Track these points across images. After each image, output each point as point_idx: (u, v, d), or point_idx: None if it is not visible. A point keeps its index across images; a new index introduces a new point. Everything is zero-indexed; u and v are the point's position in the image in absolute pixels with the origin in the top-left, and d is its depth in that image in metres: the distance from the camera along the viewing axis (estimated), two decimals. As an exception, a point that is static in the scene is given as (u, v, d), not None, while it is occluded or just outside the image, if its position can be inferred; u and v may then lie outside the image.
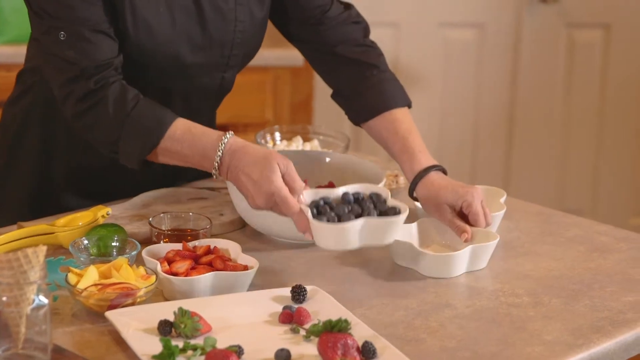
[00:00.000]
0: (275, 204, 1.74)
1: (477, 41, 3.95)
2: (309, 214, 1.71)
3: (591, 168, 4.11)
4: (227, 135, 1.83)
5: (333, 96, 2.11)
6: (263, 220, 1.90)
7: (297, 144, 2.31)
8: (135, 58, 1.91)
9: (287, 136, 2.35)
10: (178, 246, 1.77)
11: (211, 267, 1.72)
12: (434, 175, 1.93)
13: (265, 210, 1.76)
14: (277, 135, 2.35)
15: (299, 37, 2.11)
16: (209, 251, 1.76)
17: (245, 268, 1.73)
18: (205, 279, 1.68)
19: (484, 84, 3.99)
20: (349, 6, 2.11)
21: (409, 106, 2.10)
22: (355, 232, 1.70)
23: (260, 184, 1.75)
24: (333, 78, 2.11)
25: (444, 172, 1.96)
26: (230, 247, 1.78)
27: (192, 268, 1.71)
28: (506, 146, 4.06)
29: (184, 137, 1.83)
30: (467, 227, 1.85)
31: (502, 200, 2.03)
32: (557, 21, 3.95)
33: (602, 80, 4.03)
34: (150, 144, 1.83)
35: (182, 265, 1.71)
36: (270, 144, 2.31)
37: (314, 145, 2.30)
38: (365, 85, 2.05)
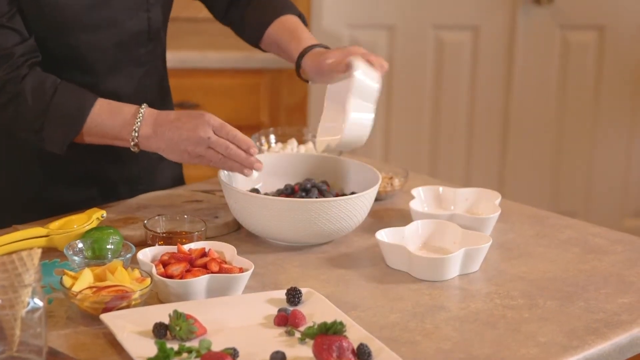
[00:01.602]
0: (212, 131, 1.85)
1: (472, 43, 3.96)
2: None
3: (585, 170, 4.12)
4: (144, 105, 1.92)
5: (232, 29, 2.23)
6: (258, 222, 1.90)
7: (292, 147, 2.31)
8: (56, 16, 1.93)
9: (282, 139, 2.35)
10: (173, 249, 1.77)
11: (206, 269, 1.72)
12: (318, 49, 2.04)
13: (204, 147, 1.85)
14: (272, 137, 2.35)
15: None
16: (203, 254, 1.76)
17: (240, 270, 1.73)
18: (200, 281, 1.68)
19: (478, 86, 4.00)
20: None
21: (302, 18, 2.18)
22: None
23: (192, 120, 1.87)
24: (229, 14, 2.22)
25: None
26: (225, 250, 1.78)
27: (187, 271, 1.71)
28: (501, 148, 4.07)
29: (103, 114, 1.91)
30: (349, 56, 1.96)
31: (497, 202, 2.03)
32: (551, 23, 3.96)
33: (596, 81, 4.03)
34: (74, 129, 1.91)
35: (177, 268, 1.71)
36: (265, 146, 2.31)
37: (309, 147, 2.30)
38: (253, 6, 2.17)
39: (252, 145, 1.89)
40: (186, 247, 1.77)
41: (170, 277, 1.69)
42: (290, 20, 2.15)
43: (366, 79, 1.94)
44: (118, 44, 2.02)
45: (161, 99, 2.16)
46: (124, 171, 2.13)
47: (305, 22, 2.19)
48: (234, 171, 1.91)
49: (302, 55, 2.05)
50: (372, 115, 1.98)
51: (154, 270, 1.69)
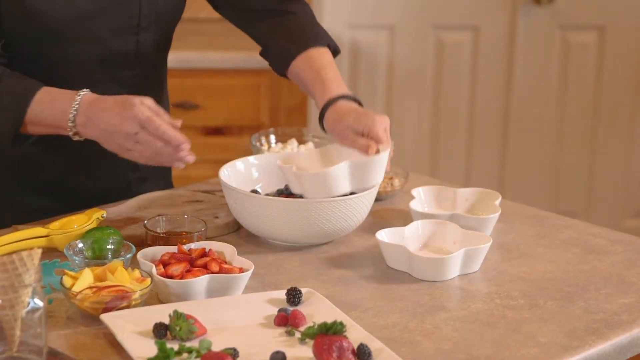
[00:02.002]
0: (141, 126, 1.76)
1: (472, 43, 3.96)
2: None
3: (586, 170, 4.12)
4: (84, 90, 1.85)
5: (260, 53, 2.14)
6: (258, 222, 1.90)
7: (292, 147, 2.31)
8: (37, 25, 1.91)
9: (282, 139, 2.35)
10: (173, 249, 1.77)
11: (206, 269, 1.72)
12: (342, 103, 1.95)
13: (131, 142, 1.77)
14: (272, 137, 2.35)
15: (221, 3, 2.13)
16: (204, 254, 1.76)
17: (241, 270, 1.73)
18: (201, 281, 1.68)
19: (479, 86, 4.00)
20: None
21: (331, 47, 2.08)
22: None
23: (123, 111, 1.78)
24: (255, 34, 2.14)
25: (359, 102, 1.97)
26: (226, 250, 1.78)
27: (188, 271, 1.71)
28: (501, 148, 4.07)
29: (44, 102, 1.85)
30: (371, 141, 1.87)
31: (497, 202, 2.03)
32: (551, 23, 3.96)
33: (597, 82, 4.03)
34: (16, 118, 1.85)
35: (178, 268, 1.71)
36: (265, 147, 2.31)
37: (308, 147, 2.30)
38: (281, 33, 2.08)
39: (181, 142, 1.79)
40: (186, 247, 1.77)
41: (170, 277, 1.69)
42: (317, 55, 2.04)
43: (370, 175, 1.90)
44: (101, 61, 1.99)
45: None
46: (94, 185, 2.10)
47: (336, 50, 2.10)
48: (164, 165, 1.84)
49: (325, 107, 1.96)
50: (343, 191, 1.90)
51: (154, 270, 1.69)
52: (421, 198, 2.06)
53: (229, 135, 3.67)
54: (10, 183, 2.07)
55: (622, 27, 3.99)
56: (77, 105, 1.82)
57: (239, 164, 2.05)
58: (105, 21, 1.96)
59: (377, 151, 1.87)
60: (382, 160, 1.89)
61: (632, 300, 1.76)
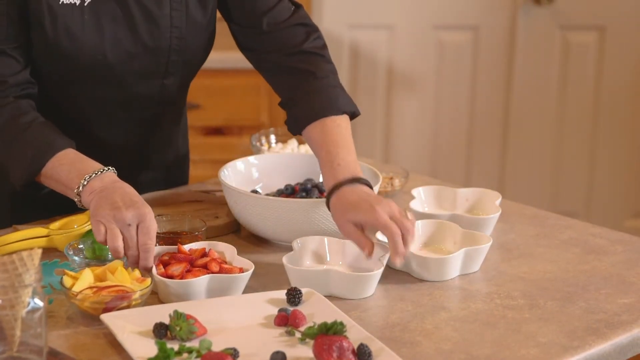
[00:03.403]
0: (137, 225, 1.70)
1: (472, 43, 3.96)
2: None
3: (586, 170, 4.12)
4: (111, 168, 1.80)
5: (279, 104, 2.04)
6: (258, 222, 1.90)
7: (292, 147, 2.31)
8: (64, 67, 1.91)
9: (282, 139, 2.36)
10: (173, 249, 1.77)
11: (206, 269, 1.72)
12: (345, 191, 1.81)
13: (119, 225, 1.70)
14: (272, 137, 2.35)
15: (244, 44, 2.06)
16: (204, 254, 1.76)
17: (241, 270, 1.73)
18: (201, 281, 1.68)
19: (479, 86, 4.00)
20: (298, 7, 2.04)
21: (350, 113, 1.97)
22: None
23: (138, 201, 1.72)
24: (275, 86, 2.06)
25: (368, 184, 1.84)
26: (226, 250, 1.78)
27: (188, 271, 1.71)
28: (501, 148, 4.07)
29: (63, 164, 1.80)
30: (368, 241, 1.76)
31: (497, 202, 2.03)
32: (551, 23, 3.96)
33: (597, 82, 4.03)
34: (31, 170, 1.81)
35: (178, 268, 1.71)
36: (265, 147, 2.31)
37: (308, 148, 2.30)
38: (298, 94, 1.97)
39: (151, 267, 1.71)
40: (187, 247, 1.77)
41: (171, 277, 1.69)
42: (330, 127, 1.92)
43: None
44: (124, 102, 1.98)
45: (166, 151, 2.13)
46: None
47: (354, 114, 1.97)
48: (114, 254, 1.73)
49: (331, 192, 1.83)
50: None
51: (154, 271, 1.69)
52: (421, 198, 2.06)
53: (229, 135, 3.67)
54: (10, 203, 2.06)
55: (622, 27, 3.99)
56: (98, 173, 1.77)
57: (239, 164, 2.06)
58: (132, 68, 1.94)
59: (369, 255, 1.75)
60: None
61: (632, 300, 1.76)
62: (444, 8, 3.91)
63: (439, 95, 3.99)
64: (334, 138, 1.90)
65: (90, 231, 1.83)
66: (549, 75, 4.01)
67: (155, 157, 2.11)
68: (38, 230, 1.85)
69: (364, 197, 1.79)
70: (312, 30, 2.03)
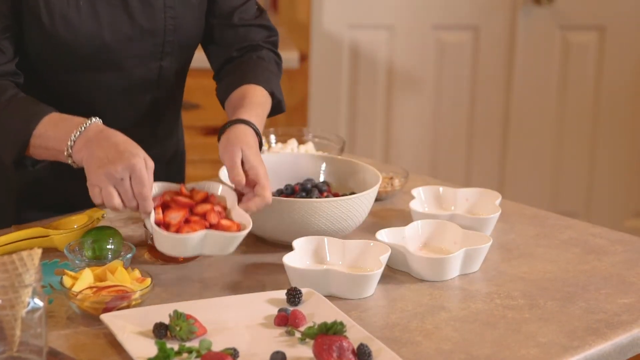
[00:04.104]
0: (129, 176, 1.69)
1: (472, 43, 3.96)
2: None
3: (586, 170, 4.12)
4: (94, 118, 1.78)
5: (213, 77, 2.12)
6: (258, 222, 1.90)
7: (292, 147, 2.31)
8: (64, 56, 1.92)
9: (282, 138, 2.35)
10: (176, 187, 1.76)
11: (204, 220, 1.70)
12: (232, 130, 1.85)
13: (112, 183, 1.69)
14: (272, 137, 2.35)
15: (215, 38, 2.10)
16: (206, 199, 1.75)
17: (238, 228, 1.71)
18: (196, 237, 1.66)
19: (479, 86, 4.00)
20: (262, 10, 2.13)
21: (276, 99, 2.01)
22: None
23: (124, 151, 1.70)
24: (221, 73, 2.11)
25: (257, 133, 1.86)
26: (228, 196, 1.77)
27: (186, 221, 1.70)
28: (501, 148, 4.07)
29: (49, 125, 1.79)
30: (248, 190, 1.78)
31: (497, 202, 2.03)
32: (551, 23, 3.96)
33: (597, 82, 4.03)
34: (19, 143, 1.80)
35: (176, 216, 1.69)
36: (265, 147, 2.31)
37: (309, 147, 2.31)
38: (234, 67, 2.06)
39: (148, 212, 1.71)
40: (189, 186, 1.76)
41: (168, 225, 1.69)
42: (251, 91, 1.98)
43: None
44: (123, 87, 1.99)
45: (164, 140, 2.14)
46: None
47: (279, 105, 2.03)
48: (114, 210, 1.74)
49: (223, 129, 1.88)
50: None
51: (151, 218, 1.68)
52: (421, 198, 2.06)
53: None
54: (16, 204, 2.07)
55: (622, 27, 3.99)
56: (82, 129, 1.76)
57: (239, 164, 2.05)
58: (130, 51, 1.96)
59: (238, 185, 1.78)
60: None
61: (632, 300, 1.76)
62: (443, 8, 3.92)
63: (439, 95, 4.00)
64: (246, 95, 1.95)
65: (90, 231, 1.83)
66: (549, 75, 4.01)
67: (156, 149, 2.10)
68: (38, 230, 1.85)
69: (232, 140, 1.81)
70: (273, 33, 2.13)
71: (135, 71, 1.98)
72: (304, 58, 3.71)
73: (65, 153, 1.76)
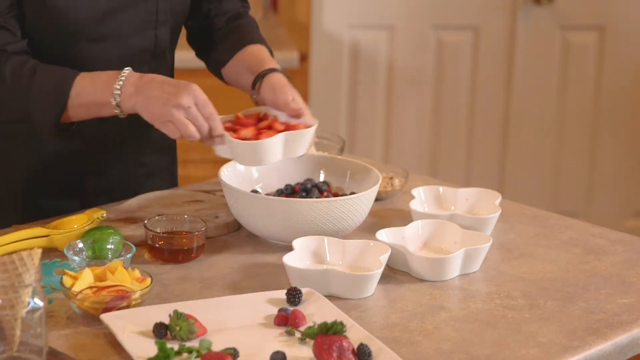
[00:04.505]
0: (194, 103, 1.82)
1: (472, 43, 3.96)
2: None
3: (586, 170, 4.12)
4: (127, 68, 1.88)
5: (197, 55, 2.25)
6: (258, 222, 1.90)
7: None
8: (64, 29, 1.94)
9: (282, 138, 2.35)
10: (229, 117, 1.91)
11: (273, 129, 1.84)
12: (271, 77, 2.03)
13: (182, 113, 1.81)
14: (272, 137, 2.35)
15: (196, 13, 2.18)
16: (260, 118, 1.90)
17: (306, 126, 1.87)
18: (278, 139, 1.81)
19: (479, 86, 4.00)
20: None
21: (269, 49, 2.16)
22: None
23: (178, 83, 1.85)
24: (198, 45, 2.24)
25: (285, 75, 2.06)
26: (278, 113, 1.92)
27: (258, 133, 1.82)
28: (501, 148, 4.07)
29: (84, 82, 1.88)
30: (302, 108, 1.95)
31: (497, 202, 2.03)
32: (551, 23, 3.96)
33: (597, 82, 4.03)
34: (58, 106, 1.87)
35: (248, 132, 1.82)
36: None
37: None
38: (217, 37, 2.17)
39: (222, 135, 1.86)
40: (241, 113, 1.91)
41: (244, 140, 1.81)
42: (248, 51, 2.13)
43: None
44: (121, 58, 2.01)
45: None
46: (103, 184, 2.12)
47: (271, 52, 2.17)
48: (190, 139, 1.88)
49: (260, 76, 2.05)
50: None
51: (228, 136, 1.81)
52: (421, 198, 2.06)
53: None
54: (25, 186, 2.08)
55: (622, 27, 3.99)
56: (123, 78, 1.85)
57: (239, 164, 2.05)
58: (125, 18, 1.99)
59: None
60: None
61: (632, 300, 1.76)
62: (443, 8, 3.92)
63: (439, 95, 4.00)
64: (265, 54, 2.12)
65: (90, 231, 1.83)
66: (549, 75, 4.01)
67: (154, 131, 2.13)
68: (38, 230, 1.85)
69: (282, 84, 2.01)
70: (246, 5, 2.26)
71: (132, 41, 2.02)
72: (304, 58, 3.71)
73: (114, 102, 1.85)
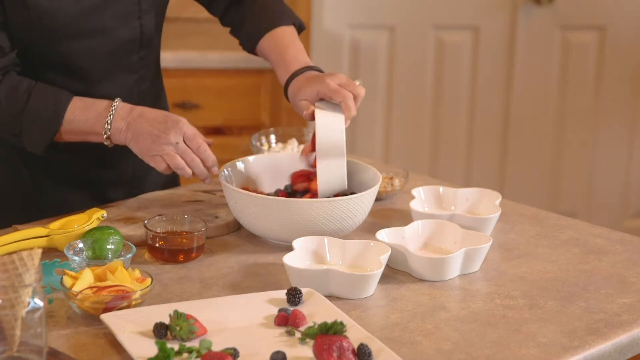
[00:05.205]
0: (182, 139, 1.91)
1: (472, 43, 3.96)
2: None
3: (586, 170, 4.12)
4: (117, 99, 1.96)
5: (230, 32, 2.24)
6: (258, 222, 1.90)
7: (293, 147, 2.31)
8: (49, 28, 1.95)
9: (283, 139, 2.35)
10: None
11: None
12: (299, 78, 2.03)
13: (170, 148, 1.90)
14: (273, 137, 2.35)
15: None
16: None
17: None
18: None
19: (479, 86, 4.00)
20: None
21: (296, 25, 2.18)
22: None
23: (167, 120, 1.92)
24: (225, 17, 2.24)
25: (319, 70, 2.05)
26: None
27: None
28: (501, 148, 4.07)
29: (77, 110, 1.95)
30: (309, 105, 1.96)
31: (497, 202, 2.03)
32: (551, 23, 3.96)
33: (597, 82, 4.03)
34: (51, 130, 1.94)
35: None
36: (265, 147, 2.31)
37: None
38: (249, 14, 2.18)
39: (215, 163, 1.95)
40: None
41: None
42: (281, 34, 2.14)
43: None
44: (110, 52, 2.03)
45: (154, 104, 2.16)
46: (113, 175, 2.14)
47: (301, 27, 2.18)
48: (187, 177, 1.95)
49: (286, 86, 2.06)
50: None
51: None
52: (421, 198, 2.06)
53: (229, 135, 3.67)
54: (37, 179, 2.10)
55: (622, 27, 3.99)
56: (113, 111, 1.94)
57: (239, 164, 2.06)
58: (109, 12, 2.00)
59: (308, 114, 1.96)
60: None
61: (632, 300, 1.76)
62: (444, 8, 3.92)
63: (439, 95, 3.99)
64: (283, 43, 2.12)
65: (90, 231, 1.83)
66: (548, 74, 4.01)
67: None
68: (38, 230, 1.85)
69: (315, 75, 2.00)
70: None
71: (118, 33, 2.03)
72: (304, 58, 3.71)
73: (105, 135, 1.94)
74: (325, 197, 1.93)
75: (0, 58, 1.93)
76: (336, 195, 1.97)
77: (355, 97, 1.93)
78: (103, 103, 1.95)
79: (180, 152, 1.91)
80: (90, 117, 1.94)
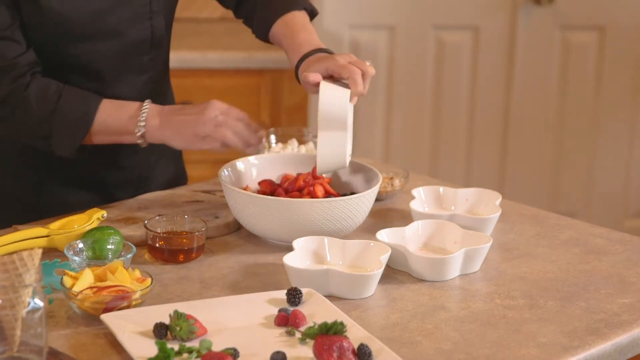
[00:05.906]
0: (224, 116, 1.93)
1: (472, 43, 3.96)
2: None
3: (585, 170, 4.12)
4: (148, 101, 1.98)
5: (243, 22, 2.24)
6: (258, 222, 1.90)
7: (293, 147, 2.31)
8: (63, 31, 1.96)
9: (283, 139, 2.35)
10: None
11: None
12: (310, 58, 2.01)
13: (215, 125, 1.92)
14: (273, 137, 2.35)
15: None
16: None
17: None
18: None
19: (479, 86, 4.00)
20: None
21: (308, 10, 2.17)
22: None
23: (199, 105, 1.95)
24: (239, 8, 2.24)
25: (329, 52, 2.03)
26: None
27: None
28: (501, 148, 4.07)
29: (108, 111, 1.97)
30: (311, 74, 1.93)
31: (497, 202, 2.03)
32: (551, 23, 3.96)
33: (597, 82, 4.03)
34: (82, 132, 1.96)
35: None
36: (265, 147, 2.31)
37: (309, 147, 2.31)
38: (260, 0, 2.18)
39: (259, 127, 1.98)
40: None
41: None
42: (293, 18, 2.13)
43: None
44: (121, 53, 2.03)
45: (162, 103, 2.16)
46: (119, 176, 2.14)
47: (313, 12, 2.18)
48: (238, 147, 1.96)
49: (297, 66, 2.05)
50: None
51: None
52: (421, 198, 2.06)
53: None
54: (42, 178, 2.11)
55: (622, 27, 3.99)
56: (146, 110, 1.96)
57: (239, 164, 2.06)
58: (120, 13, 2.00)
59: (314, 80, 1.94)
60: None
61: (632, 300, 1.76)
62: (444, 8, 3.92)
63: (439, 95, 3.99)
64: (295, 27, 2.11)
65: (90, 231, 1.83)
66: (549, 75, 4.01)
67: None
68: (38, 230, 1.85)
69: (326, 55, 1.99)
70: None
71: (129, 34, 2.03)
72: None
73: (138, 133, 1.95)
74: (323, 172, 1.93)
75: (22, 54, 1.93)
76: (336, 195, 1.97)
77: (363, 75, 1.92)
78: (134, 104, 1.97)
79: (222, 124, 1.93)
80: (123, 117, 1.96)
